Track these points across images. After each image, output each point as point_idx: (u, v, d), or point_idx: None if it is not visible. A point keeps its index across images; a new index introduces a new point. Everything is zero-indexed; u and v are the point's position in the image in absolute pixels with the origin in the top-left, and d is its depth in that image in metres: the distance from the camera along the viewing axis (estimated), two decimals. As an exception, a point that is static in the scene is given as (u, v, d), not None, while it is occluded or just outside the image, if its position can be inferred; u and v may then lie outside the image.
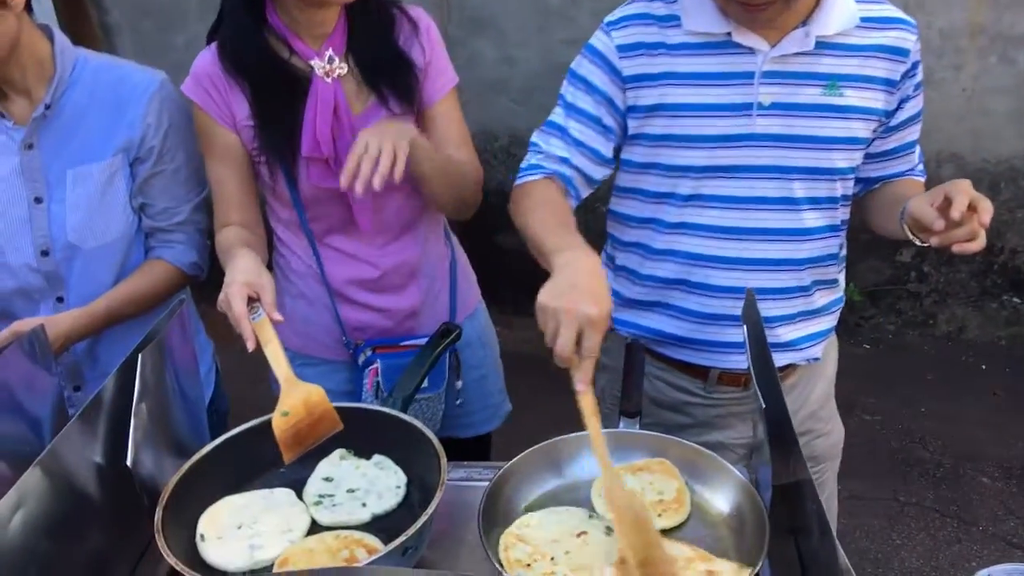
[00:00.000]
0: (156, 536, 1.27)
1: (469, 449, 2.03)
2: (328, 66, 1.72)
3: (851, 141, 1.63)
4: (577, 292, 1.26)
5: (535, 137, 1.73)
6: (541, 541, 1.33)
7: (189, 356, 1.60)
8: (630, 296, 1.81)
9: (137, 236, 1.90)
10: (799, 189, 1.64)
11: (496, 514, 1.37)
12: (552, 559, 1.30)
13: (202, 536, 1.34)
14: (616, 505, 1.27)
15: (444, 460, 1.36)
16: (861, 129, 1.63)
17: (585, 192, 1.73)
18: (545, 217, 1.55)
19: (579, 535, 1.34)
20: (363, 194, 1.54)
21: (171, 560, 1.23)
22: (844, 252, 1.81)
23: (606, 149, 1.68)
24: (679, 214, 1.68)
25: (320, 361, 1.97)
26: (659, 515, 1.35)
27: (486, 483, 1.40)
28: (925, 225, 1.43)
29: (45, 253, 1.81)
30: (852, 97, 1.59)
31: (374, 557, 1.22)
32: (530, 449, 1.45)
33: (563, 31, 3.88)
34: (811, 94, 1.59)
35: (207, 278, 2.00)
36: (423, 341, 1.76)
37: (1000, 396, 3.73)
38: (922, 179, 1.78)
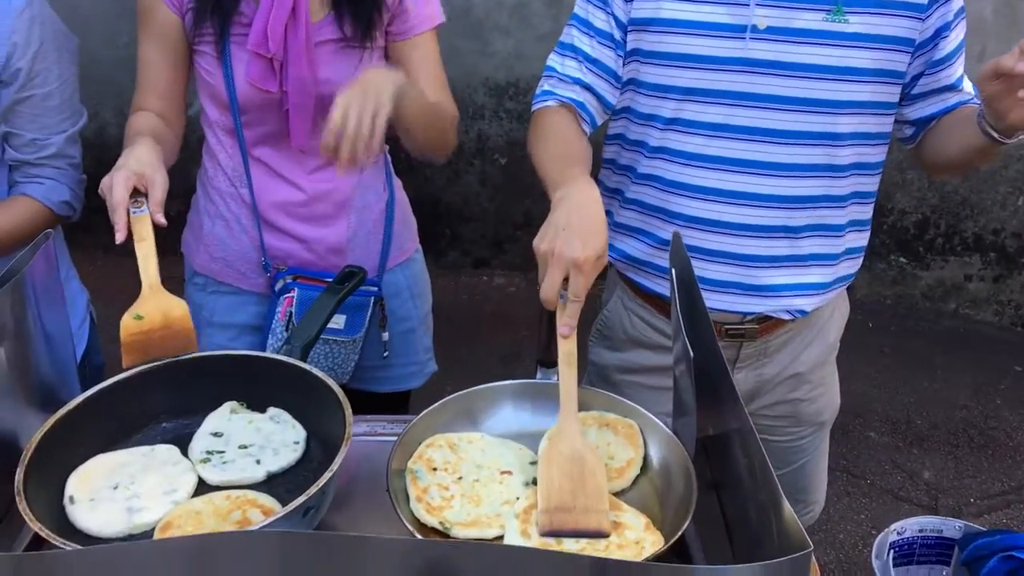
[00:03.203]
0: (17, 498, 1.11)
1: (383, 405, 1.92)
2: None
3: (856, 72, 1.52)
4: (566, 233, 1.23)
5: (550, 60, 1.66)
6: (469, 457, 1.29)
7: (56, 298, 1.42)
8: (618, 220, 1.74)
9: (3, 169, 1.70)
10: (792, 121, 1.54)
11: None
12: (460, 478, 1.25)
13: (71, 498, 1.19)
14: (562, 453, 1.22)
15: (349, 412, 1.24)
16: (870, 60, 1.52)
17: (600, 118, 1.65)
18: (550, 150, 1.53)
19: (503, 472, 1.27)
20: (344, 177, 1.52)
21: (35, 526, 1.08)
22: (865, 208, 1.68)
23: (620, 70, 1.61)
24: (661, 138, 1.60)
25: (233, 290, 1.84)
26: None
27: (392, 438, 1.31)
28: (1004, 70, 1.32)
29: None
30: (858, 24, 1.49)
31: (270, 519, 1.10)
32: (443, 400, 1.36)
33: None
34: (811, 19, 1.49)
35: (82, 221, 1.84)
36: None
37: (887, 354, 3.84)
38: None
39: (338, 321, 1.57)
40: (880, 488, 3.17)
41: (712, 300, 1.61)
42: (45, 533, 1.08)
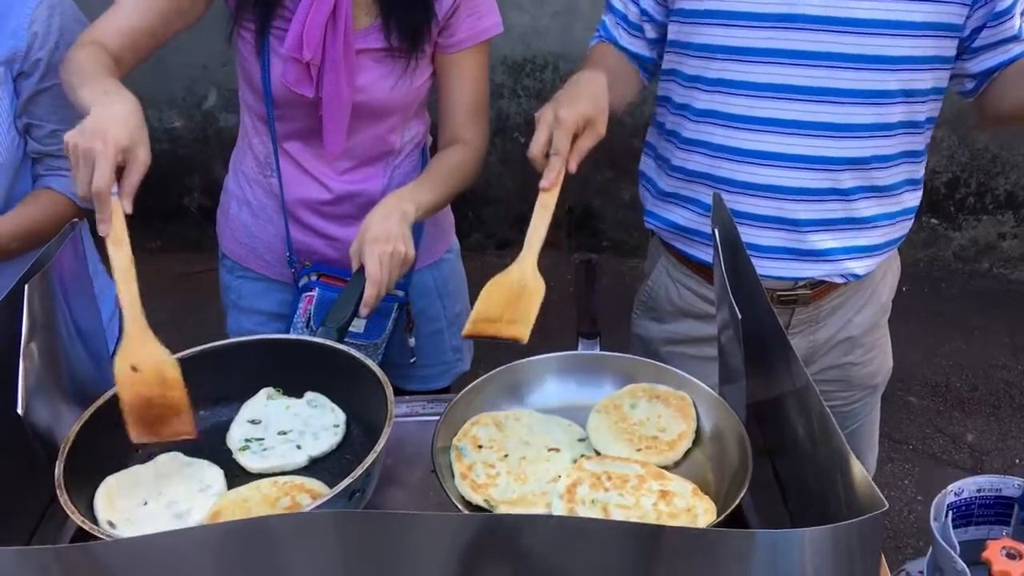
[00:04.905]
0: (58, 492, 1.09)
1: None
2: None
3: (909, 26, 1.46)
4: (558, 99, 1.35)
5: None
6: (515, 434, 1.27)
7: (86, 289, 1.40)
8: (663, 188, 1.70)
9: (24, 162, 1.69)
10: (841, 79, 1.49)
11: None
12: (506, 456, 1.23)
13: (110, 523, 1.12)
14: (508, 277, 1.30)
15: (390, 392, 1.21)
16: (923, 13, 1.46)
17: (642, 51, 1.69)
18: (583, 67, 1.58)
19: (551, 449, 1.24)
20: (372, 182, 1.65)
21: (77, 519, 1.06)
22: (916, 167, 1.64)
23: (646, 31, 1.66)
24: (707, 100, 1.56)
25: (259, 277, 1.81)
26: (641, 449, 1.25)
27: (433, 418, 1.28)
28: None
29: (-84, 179, 1.58)
30: None
31: (318, 502, 1.07)
32: (486, 375, 1.34)
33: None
34: None
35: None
36: None
37: (923, 317, 3.77)
38: None
39: (358, 325, 1.52)
40: (923, 453, 3.12)
41: (763, 266, 1.57)
42: (88, 526, 1.06)
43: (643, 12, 1.63)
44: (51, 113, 1.66)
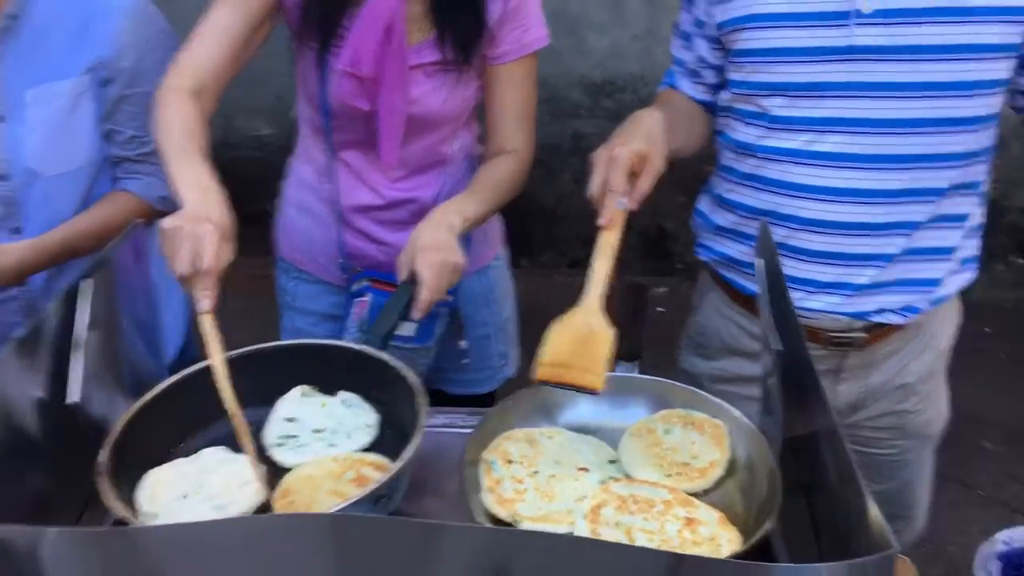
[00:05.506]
0: (98, 481, 1.13)
1: (457, 406, 1.90)
2: None
3: (980, 49, 1.40)
4: (613, 138, 1.34)
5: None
6: (547, 452, 1.27)
7: (146, 287, 1.46)
8: (717, 222, 1.69)
9: (105, 166, 1.77)
10: (904, 109, 1.44)
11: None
12: (535, 472, 1.23)
13: (151, 514, 1.17)
14: (574, 320, 1.27)
15: (423, 402, 1.23)
16: (997, 34, 1.41)
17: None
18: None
19: (580, 469, 1.25)
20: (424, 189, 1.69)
21: (115, 506, 1.10)
22: (977, 199, 1.58)
23: (705, 77, 1.67)
24: (764, 136, 1.54)
25: (313, 279, 1.87)
26: (671, 475, 1.24)
27: (470, 431, 1.29)
28: None
29: (2, 178, 1.67)
30: None
31: (343, 504, 1.09)
32: (520, 392, 1.35)
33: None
34: None
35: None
36: None
37: (1004, 360, 3.63)
38: None
39: (409, 328, 1.56)
40: (993, 500, 3.00)
41: (817, 302, 1.55)
42: (124, 513, 1.10)
43: (700, 59, 1.64)
44: (131, 119, 1.74)
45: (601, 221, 1.30)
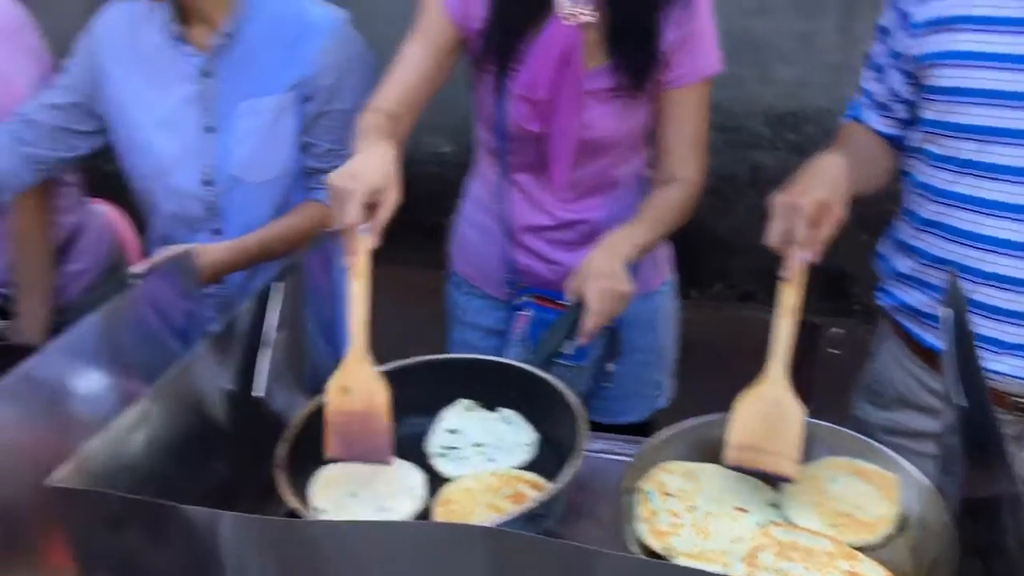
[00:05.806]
0: (276, 472, 1.21)
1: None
2: (573, 9, 1.56)
3: None
4: (793, 186, 1.29)
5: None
6: (705, 488, 1.25)
7: (331, 293, 1.55)
8: (897, 267, 1.64)
9: (300, 176, 1.89)
10: None
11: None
12: (693, 507, 1.21)
13: (321, 509, 1.24)
14: (762, 395, 1.24)
15: (583, 423, 1.24)
16: None
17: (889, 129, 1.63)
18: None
19: (738, 509, 1.22)
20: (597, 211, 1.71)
21: (288, 498, 1.17)
22: None
23: (895, 111, 1.60)
24: (952, 181, 1.47)
25: (482, 294, 1.93)
26: (835, 525, 1.20)
27: (629, 459, 1.29)
28: None
29: (208, 183, 1.82)
30: None
31: (501, 520, 1.11)
32: (682, 424, 1.34)
33: None
34: None
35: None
36: None
37: None
38: None
39: (567, 347, 1.58)
40: None
41: (1003, 365, 1.47)
42: (295, 505, 1.16)
43: (892, 92, 1.57)
44: (328, 133, 1.84)
45: (785, 274, 1.26)
